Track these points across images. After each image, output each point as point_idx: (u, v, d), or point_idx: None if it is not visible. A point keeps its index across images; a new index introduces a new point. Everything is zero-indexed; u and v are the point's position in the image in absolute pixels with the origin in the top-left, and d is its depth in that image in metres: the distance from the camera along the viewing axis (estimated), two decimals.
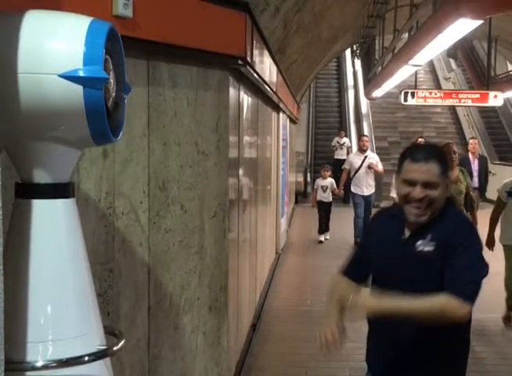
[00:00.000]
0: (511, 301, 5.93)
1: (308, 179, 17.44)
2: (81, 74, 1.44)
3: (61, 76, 1.43)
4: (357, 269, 2.51)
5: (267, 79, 5.57)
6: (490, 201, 10.25)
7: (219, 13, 3.36)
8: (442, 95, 14.09)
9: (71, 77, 1.44)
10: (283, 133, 10.16)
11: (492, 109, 18.91)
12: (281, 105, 8.69)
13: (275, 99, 7.34)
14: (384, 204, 12.25)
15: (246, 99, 4.95)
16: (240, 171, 4.51)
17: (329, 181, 10.96)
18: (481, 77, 17.16)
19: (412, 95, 13.77)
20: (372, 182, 10.43)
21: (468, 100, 13.64)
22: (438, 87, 21.84)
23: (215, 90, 3.51)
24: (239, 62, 3.71)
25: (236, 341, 4.48)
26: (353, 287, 2.46)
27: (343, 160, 12.33)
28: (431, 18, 7.03)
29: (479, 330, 5.17)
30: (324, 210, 10.92)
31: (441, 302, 2.12)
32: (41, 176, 1.57)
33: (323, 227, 10.91)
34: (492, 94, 13.28)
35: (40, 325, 1.56)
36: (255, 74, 4.50)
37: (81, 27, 1.48)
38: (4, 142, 1.58)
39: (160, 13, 2.80)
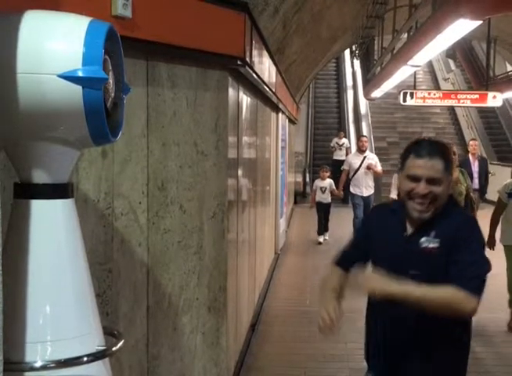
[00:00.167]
0: None
1: (307, 180, 17.44)
2: (80, 74, 1.44)
3: (60, 76, 1.43)
4: (349, 262, 2.49)
5: (266, 79, 5.57)
6: (490, 202, 10.25)
7: (218, 13, 3.36)
8: (441, 95, 14.09)
9: (70, 78, 1.43)
10: (282, 133, 10.16)
11: (491, 109, 18.92)
12: (280, 105, 8.69)
13: (274, 99, 7.34)
14: None
15: (246, 100, 4.95)
16: (239, 172, 4.51)
17: (328, 182, 10.94)
18: (480, 77, 17.16)
19: (411, 95, 13.77)
20: (371, 183, 10.42)
21: (467, 101, 13.64)
22: (437, 87, 21.86)
23: (214, 90, 3.51)
24: (239, 62, 3.71)
25: (235, 342, 4.48)
26: (346, 277, 2.45)
27: (342, 161, 12.33)
28: (430, 18, 7.04)
29: (479, 331, 5.16)
30: (323, 211, 10.89)
31: (449, 294, 2.12)
32: (40, 176, 1.57)
33: (322, 228, 10.88)
34: (490, 94, 13.28)
35: (39, 325, 1.56)
36: (254, 75, 4.50)
37: (81, 27, 1.48)
38: (3, 143, 1.58)
39: (160, 13, 2.80)
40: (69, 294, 1.61)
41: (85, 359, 1.59)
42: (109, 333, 1.84)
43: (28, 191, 1.58)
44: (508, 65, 17.63)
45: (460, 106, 18.12)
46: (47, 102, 1.45)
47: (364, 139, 10.88)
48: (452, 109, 20.92)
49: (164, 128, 3.02)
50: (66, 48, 1.46)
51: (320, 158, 18.21)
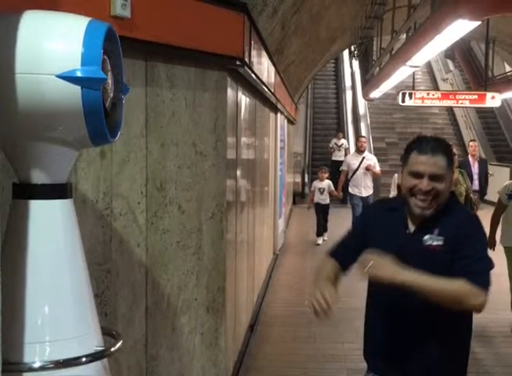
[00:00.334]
0: None
1: (306, 180, 17.44)
2: (79, 74, 1.44)
3: (59, 76, 1.43)
4: (344, 255, 2.47)
5: (265, 80, 5.57)
6: (490, 203, 10.23)
7: (217, 14, 3.36)
8: (440, 96, 14.11)
9: (69, 78, 1.43)
10: (281, 134, 10.16)
11: (490, 110, 18.93)
12: (279, 106, 8.69)
13: (273, 99, 7.34)
14: None
15: (244, 100, 4.95)
16: (238, 172, 4.51)
17: (327, 183, 10.90)
18: (479, 78, 17.17)
19: (410, 96, 13.78)
20: (370, 184, 10.41)
21: (466, 101, 13.66)
22: (436, 88, 21.87)
23: (213, 91, 3.51)
24: (237, 62, 3.71)
25: (234, 342, 4.48)
26: (340, 269, 2.44)
27: (341, 162, 12.31)
28: (429, 19, 7.04)
29: (478, 331, 5.16)
30: (322, 212, 10.84)
31: (460, 287, 2.11)
32: (38, 177, 1.57)
33: (321, 230, 10.85)
34: (489, 95, 13.30)
35: (37, 326, 1.56)
36: (253, 75, 4.50)
37: (79, 27, 1.48)
38: (1, 143, 1.58)
39: (158, 14, 2.80)
40: (67, 294, 1.61)
41: (84, 359, 1.59)
42: (108, 333, 1.83)
43: (27, 191, 1.58)
44: (507, 65, 17.64)
45: (459, 107, 18.14)
46: (46, 102, 1.45)
47: (363, 139, 10.88)
48: (450, 109, 20.95)
49: (162, 129, 3.01)
50: (64, 48, 1.46)
51: (319, 159, 18.21)
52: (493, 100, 13.24)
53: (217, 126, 3.54)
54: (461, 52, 19.90)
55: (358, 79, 21.51)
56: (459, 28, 6.26)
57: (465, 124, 20.74)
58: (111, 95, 1.60)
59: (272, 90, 6.62)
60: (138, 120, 2.81)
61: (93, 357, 1.62)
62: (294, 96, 12.56)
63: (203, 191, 3.41)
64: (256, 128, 6.10)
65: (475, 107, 17.12)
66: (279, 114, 9.54)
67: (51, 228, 1.59)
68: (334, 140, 17.51)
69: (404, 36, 10.13)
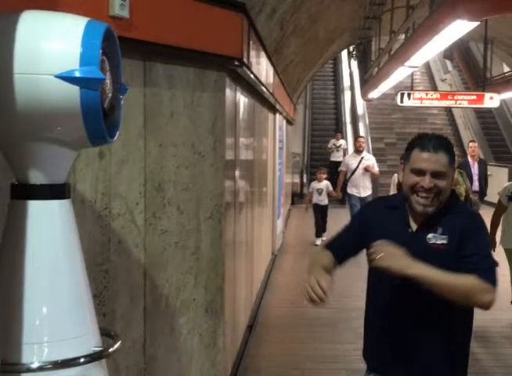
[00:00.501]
0: None
1: (305, 180, 17.44)
2: (78, 74, 1.44)
3: (57, 76, 1.43)
4: (339, 248, 2.46)
5: (263, 80, 5.57)
6: (490, 204, 10.20)
7: (216, 14, 3.36)
8: (438, 96, 14.11)
9: (68, 78, 1.43)
10: (280, 134, 10.16)
11: (488, 110, 18.95)
12: (277, 106, 8.69)
13: (271, 100, 7.34)
14: None
15: (243, 100, 4.95)
16: (237, 173, 4.51)
17: (325, 183, 10.86)
18: (477, 78, 17.19)
19: (409, 96, 13.78)
20: (368, 184, 10.40)
21: (464, 102, 13.66)
22: (434, 88, 21.88)
23: (212, 91, 3.51)
24: (236, 63, 3.70)
25: (233, 343, 4.48)
26: (335, 263, 2.42)
27: (339, 163, 12.31)
28: (428, 19, 7.05)
29: (478, 331, 5.16)
30: (320, 213, 10.78)
31: (471, 282, 2.11)
32: (37, 177, 1.57)
33: (320, 230, 10.81)
34: (487, 95, 13.30)
35: (35, 326, 1.56)
36: (252, 75, 4.50)
37: (78, 27, 1.48)
38: (0, 143, 1.57)
39: (157, 14, 2.80)
40: (66, 295, 1.61)
41: (82, 360, 1.59)
42: (106, 334, 1.83)
43: (25, 192, 1.57)
44: (505, 66, 17.66)
45: (457, 107, 18.15)
46: (44, 102, 1.45)
47: (361, 139, 10.87)
48: (449, 110, 20.96)
49: (161, 129, 3.01)
50: (63, 48, 1.46)
51: (317, 159, 18.21)
52: (491, 101, 13.25)
53: (215, 126, 3.54)
54: (460, 53, 19.92)
55: (356, 79, 21.51)
56: (458, 29, 6.27)
57: (463, 125, 20.76)
58: (110, 95, 1.59)
59: (271, 90, 6.62)
60: (137, 120, 2.81)
61: (91, 358, 1.62)
62: (293, 97, 12.57)
63: (202, 191, 3.41)
64: (255, 129, 6.10)
65: (474, 108, 17.13)
66: (277, 115, 9.54)
67: (49, 228, 1.59)
68: (333, 141, 17.51)
69: (402, 36, 10.15)
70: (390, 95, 17.42)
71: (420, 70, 22.42)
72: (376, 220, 2.41)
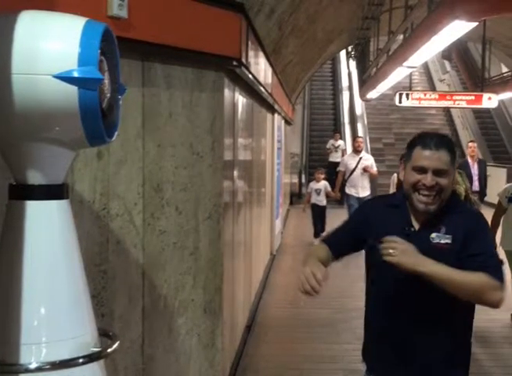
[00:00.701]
0: None
1: (303, 181, 17.45)
2: (76, 74, 1.44)
3: (56, 77, 1.43)
4: (336, 244, 2.46)
5: (262, 80, 5.57)
6: (490, 204, 10.17)
7: (214, 14, 3.36)
8: (437, 96, 14.14)
9: (66, 78, 1.43)
10: (278, 134, 10.16)
11: (486, 110, 18.98)
12: (276, 106, 8.69)
13: (270, 100, 7.34)
14: None
15: (241, 100, 4.94)
16: (235, 173, 4.51)
17: (323, 184, 10.84)
18: (476, 78, 17.21)
19: (407, 96, 13.81)
20: (367, 184, 10.38)
21: (462, 102, 13.68)
22: (433, 88, 21.89)
23: (210, 91, 3.51)
24: (234, 63, 3.70)
25: (231, 343, 4.48)
26: (330, 256, 2.41)
27: (338, 163, 12.29)
28: (426, 20, 7.05)
29: (478, 332, 5.17)
30: (319, 213, 10.74)
31: (481, 279, 2.11)
32: (35, 177, 1.56)
33: (318, 231, 10.79)
34: (486, 96, 13.33)
35: (34, 327, 1.56)
36: (250, 75, 4.50)
37: (76, 27, 1.48)
38: None
39: (155, 14, 2.80)
40: (64, 295, 1.61)
41: (80, 360, 1.59)
42: (105, 334, 1.83)
43: (23, 192, 1.57)
44: (503, 66, 17.68)
45: (456, 108, 18.16)
46: (42, 102, 1.45)
47: (360, 139, 10.87)
48: (447, 110, 20.96)
49: (159, 129, 3.01)
50: (61, 48, 1.45)
51: (316, 159, 18.22)
52: (490, 101, 13.27)
53: (214, 127, 3.54)
54: (458, 53, 19.95)
55: (355, 80, 21.53)
56: (456, 29, 6.28)
57: (462, 125, 20.77)
58: (108, 95, 1.59)
59: (269, 91, 6.62)
60: (135, 120, 2.81)
61: (89, 358, 1.62)
62: (291, 97, 12.57)
63: (200, 192, 3.41)
64: (253, 129, 6.10)
65: (472, 108, 17.16)
66: (276, 115, 9.54)
67: (47, 229, 1.59)
68: (331, 141, 17.52)
69: (401, 37, 10.15)
70: (388, 96, 17.44)
71: (419, 71, 22.43)
72: (376, 218, 2.39)
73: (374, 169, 10.51)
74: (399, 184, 8.10)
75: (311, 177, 14.02)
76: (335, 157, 16.67)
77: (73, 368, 1.58)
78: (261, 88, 5.74)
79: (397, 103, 13.95)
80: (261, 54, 5.32)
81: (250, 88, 5.45)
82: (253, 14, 4.71)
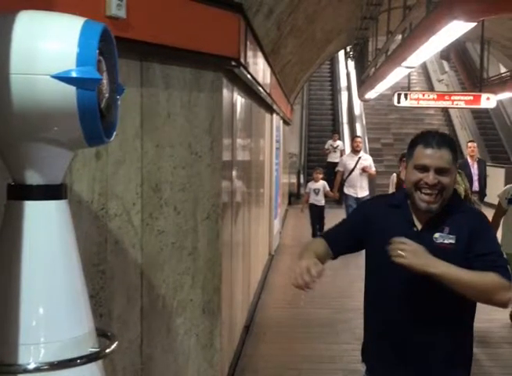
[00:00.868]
0: None
1: (302, 181, 17.45)
2: (74, 74, 1.43)
3: (54, 77, 1.43)
4: (335, 241, 2.44)
5: (260, 80, 5.57)
6: (490, 205, 10.16)
7: (213, 14, 3.36)
8: (435, 96, 14.13)
9: (64, 78, 1.43)
10: (277, 134, 10.16)
11: (485, 110, 18.99)
12: (274, 106, 8.69)
13: (268, 100, 7.34)
14: None
15: (240, 101, 4.94)
16: (234, 173, 4.51)
17: (322, 183, 10.83)
18: (474, 79, 17.21)
19: (406, 96, 13.80)
20: (365, 185, 10.38)
21: (461, 102, 13.68)
22: (431, 89, 21.90)
23: (209, 91, 3.51)
24: (233, 63, 3.70)
25: (230, 343, 4.48)
26: (327, 251, 2.40)
27: (336, 163, 12.30)
28: (425, 20, 7.06)
29: (476, 332, 5.18)
30: (317, 213, 10.72)
31: (491, 279, 2.10)
32: (33, 177, 1.56)
33: (317, 231, 10.77)
34: (484, 96, 13.32)
35: (32, 327, 1.55)
36: (249, 76, 4.50)
37: (75, 27, 1.48)
38: None
39: (154, 14, 2.79)
40: (62, 295, 1.61)
41: (79, 361, 1.59)
42: (103, 334, 1.83)
43: (22, 192, 1.57)
44: (502, 66, 17.69)
45: (454, 108, 18.18)
46: (40, 102, 1.45)
47: (358, 139, 10.87)
48: (446, 110, 20.97)
49: (158, 129, 3.01)
50: (60, 48, 1.45)
51: (314, 160, 18.22)
52: (488, 101, 13.26)
53: (212, 127, 3.54)
54: (456, 53, 19.95)
55: (353, 80, 21.52)
56: (455, 29, 6.28)
57: (460, 125, 20.79)
58: (106, 95, 1.59)
59: (268, 91, 6.62)
60: (134, 120, 2.80)
61: (88, 359, 1.62)
62: (290, 97, 12.57)
63: (199, 192, 3.41)
64: (252, 129, 6.10)
65: (470, 108, 17.16)
66: (274, 115, 9.54)
67: (46, 229, 1.59)
68: (330, 142, 17.51)
69: (399, 37, 10.16)
70: (387, 96, 17.44)
71: (417, 71, 22.45)
72: (378, 218, 2.37)
73: (373, 169, 10.51)
74: (399, 184, 8.13)
75: (309, 177, 14.02)
76: (334, 158, 16.67)
77: (71, 368, 1.58)
78: (260, 89, 5.74)
79: (395, 103, 13.94)
80: (259, 54, 5.32)
81: (249, 89, 5.45)
82: (251, 14, 4.71)
